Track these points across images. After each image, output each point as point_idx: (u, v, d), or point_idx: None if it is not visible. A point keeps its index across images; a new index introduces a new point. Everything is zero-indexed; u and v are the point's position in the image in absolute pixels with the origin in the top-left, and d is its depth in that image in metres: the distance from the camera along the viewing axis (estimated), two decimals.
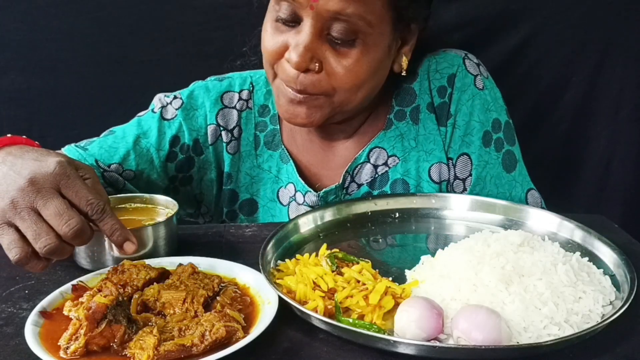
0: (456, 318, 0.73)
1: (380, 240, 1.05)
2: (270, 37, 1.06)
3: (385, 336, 0.71)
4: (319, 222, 1.06)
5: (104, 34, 1.63)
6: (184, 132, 1.23)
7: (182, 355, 0.69)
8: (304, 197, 1.21)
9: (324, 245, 0.93)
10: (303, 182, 1.20)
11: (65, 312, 0.77)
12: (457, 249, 0.90)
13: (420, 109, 1.20)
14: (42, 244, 0.77)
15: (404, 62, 1.13)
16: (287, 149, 1.24)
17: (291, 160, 1.23)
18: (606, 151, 1.69)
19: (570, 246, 0.96)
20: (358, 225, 1.08)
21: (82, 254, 0.92)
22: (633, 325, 0.77)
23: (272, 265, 0.90)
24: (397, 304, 0.78)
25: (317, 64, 1.02)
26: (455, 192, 1.19)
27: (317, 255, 0.91)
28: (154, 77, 1.63)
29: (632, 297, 0.76)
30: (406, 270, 0.90)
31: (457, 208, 1.11)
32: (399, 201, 1.13)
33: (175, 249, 0.98)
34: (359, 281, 0.83)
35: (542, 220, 1.04)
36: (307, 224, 1.04)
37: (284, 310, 0.77)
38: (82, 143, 1.20)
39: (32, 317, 0.75)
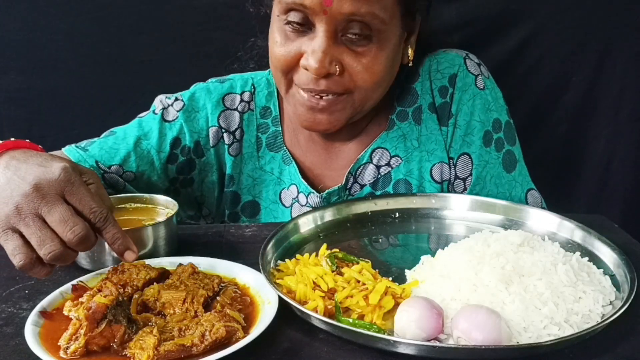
0: (456, 318, 0.73)
1: (380, 240, 1.05)
2: (281, 46, 1.05)
3: (385, 336, 0.71)
4: (319, 222, 1.06)
5: (104, 34, 1.62)
6: (185, 134, 1.23)
7: (182, 355, 0.69)
8: (306, 198, 1.21)
9: (324, 245, 0.93)
10: (306, 184, 1.20)
11: (65, 312, 0.77)
12: (457, 249, 0.90)
13: (422, 109, 1.20)
14: (47, 250, 0.77)
15: (410, 53, 1.14)
16: (289, 151, 1.24)
17: (293, 162, 1.23)
18: (606, 151, 1.69)
19: (570, 246, 0.96)
20: (358, 225, 1.08)
21: (82, 254, 0.91)
22: (633, 325, 0.77)
23: (272, 265, 0.90)
24: (397, 304, 0.78)
25: (337, 67, 1.02)
26: (455, 191, 1.19)
27: (317, 255, 0.91)
28: (154, 77, 1.63)
29: (632, 297, 0.76)
30: (406, 270, 0.90)
31: (457, 208, 1.11)
32: (399, 201, 1.14)
33: (175, 249, 0.99)
34: (359, 281, 0.83)
35: (542, 220, 1.04)
36: (307, 224, 1.04)
37: (284, 310, 0.77)
38: (83, 144, 1.20)
39: (32, 317, 0.75)
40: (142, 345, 0.69)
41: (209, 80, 1.30)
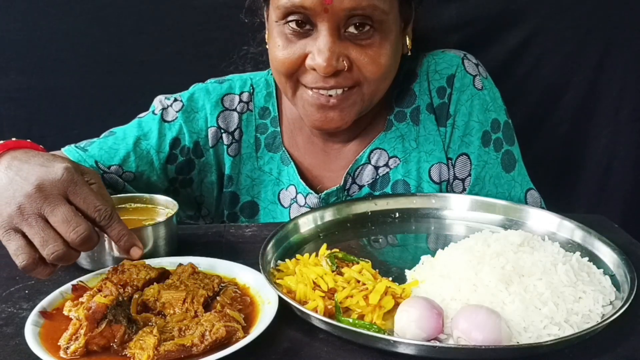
0: (456, 318, 0.73)
1: (380, 240, 1.05)
2: (284, 49, 1.05)
3: (385, 336, 0.71)
4: (319, 222, 1.06)
5: (104, 34, 1.62)
6: (184, 135, 1.23)
7: (182, 355, 0.69)
8: (305, 199, 1.21)
9: (324, 245, 0.93)
10: (304, 184, 1.20)
11: (65, 312, 0.77)
12: (457, 249, 0.90)
13: (420, 110, 1.20)
14: (50, 250, 0.77)
15: (408, 42, 1.14)
16: (288, 151, 1.24)
17: (292, 162, 1.23)
18: (606, 151, 1.69)
19: (570, 246, 0.96)
20: (358, 225, 1.08)
21: (82, 254, 0.91)
22: (633, 325, 0.77)
23: (272, 265, 0.90)
24: (397, 304, 0.78)
25: (344, 62, 1.02)
26: (454, 192, 1.19)
27: (317, 255, 0.91)
28: (154, 77, 1.63)
29: (632, 297, 0.76)
30: (406, 270, 0.90)
31: (457, 208, 1.11)
32: (399, 201, 1.14)
33: (175, 249, 0.99)
34: (359, 281, 0.83)
35: (542, 220, 1.04)
36: (307, 224, 1.04)
37: (284, 310, 0.77)
38: (82, 144, 1.20)
39: (32, 317, 0.75)
40: (142, 345, 0.69)
41: (208, 80, 1.30)
